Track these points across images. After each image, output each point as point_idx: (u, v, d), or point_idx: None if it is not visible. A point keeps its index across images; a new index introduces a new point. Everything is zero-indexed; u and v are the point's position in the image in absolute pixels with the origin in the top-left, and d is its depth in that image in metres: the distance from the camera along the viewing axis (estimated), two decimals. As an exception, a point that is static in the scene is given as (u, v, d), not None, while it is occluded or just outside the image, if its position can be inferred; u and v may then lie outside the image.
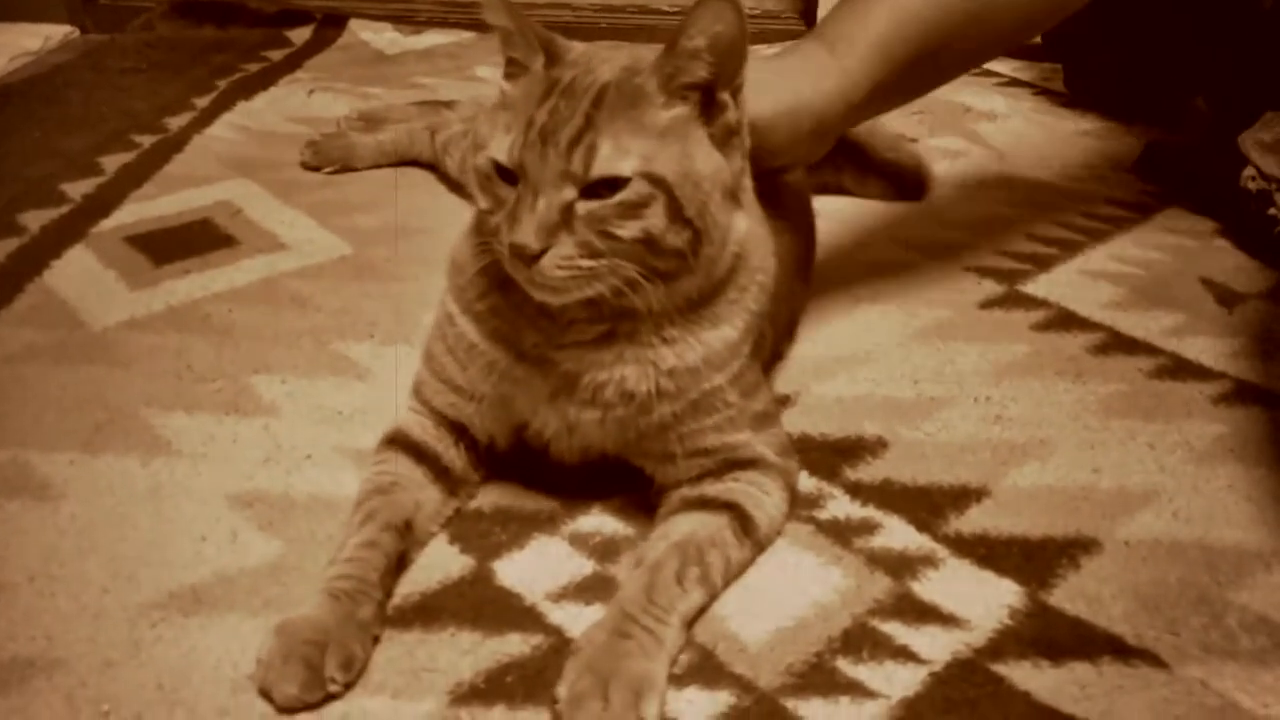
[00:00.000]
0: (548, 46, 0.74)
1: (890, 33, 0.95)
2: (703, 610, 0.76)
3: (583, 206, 0.70)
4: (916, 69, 0.98)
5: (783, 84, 0.90)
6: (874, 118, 1.13)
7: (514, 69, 0.76)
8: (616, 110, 0.71)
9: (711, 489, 0.82)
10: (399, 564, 0.77)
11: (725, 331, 0.79)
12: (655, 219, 0.71)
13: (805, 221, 1.09)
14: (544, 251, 0.69)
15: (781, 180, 0.99)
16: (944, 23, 0.96)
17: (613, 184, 0.70)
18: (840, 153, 1.35)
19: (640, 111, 0.72)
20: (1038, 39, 1.85)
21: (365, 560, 0.74)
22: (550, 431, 0.82)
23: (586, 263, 0.70)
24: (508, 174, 0.72)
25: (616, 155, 0.70)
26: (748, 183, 0.81)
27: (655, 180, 0.70)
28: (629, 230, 0.71)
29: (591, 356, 0.78)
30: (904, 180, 1.44)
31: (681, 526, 0.79)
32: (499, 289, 0.78)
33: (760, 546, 0.81)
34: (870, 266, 1.26)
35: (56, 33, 2.02)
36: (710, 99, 0.74)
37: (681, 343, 0.78)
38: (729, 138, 0.76)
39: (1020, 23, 1.06)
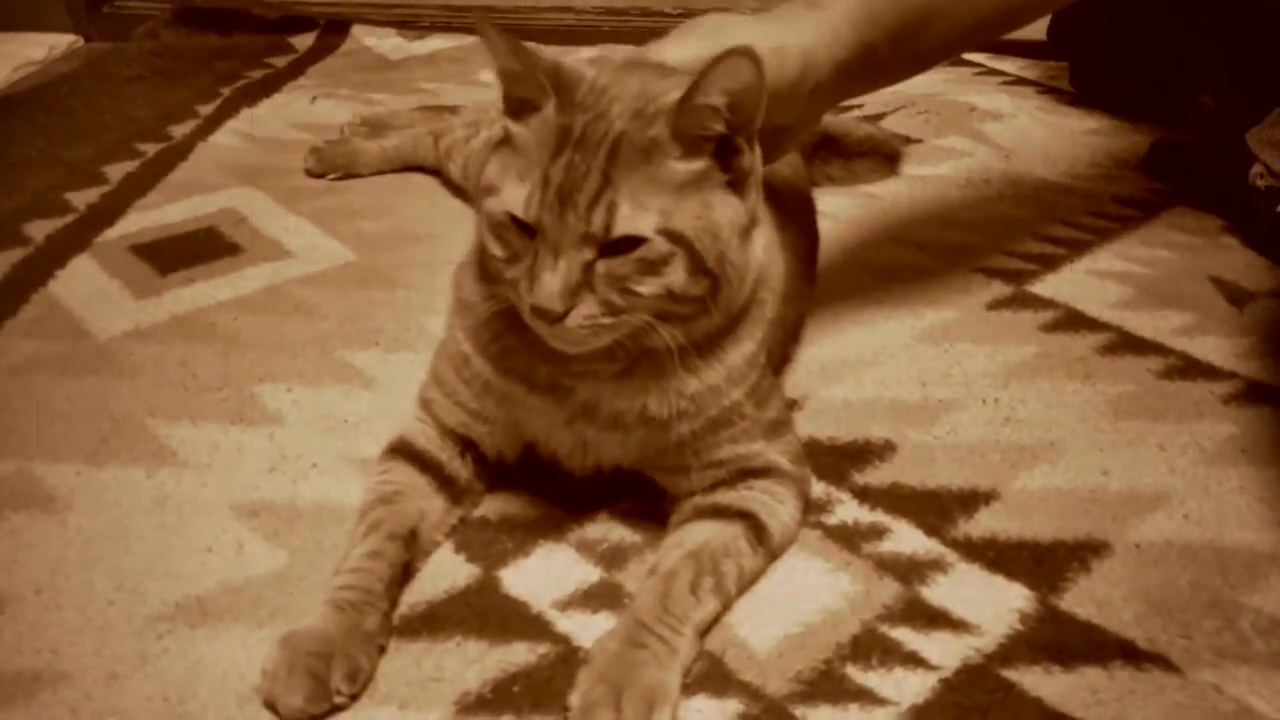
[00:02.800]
0: (556, 84, 0.71)
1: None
2: (717, 619, 0.75)
3: (603, 265, 0.69)
4: (905, 35, 0.92)
5: (763, 29, 0.83)
6: (863, 94, 1.06)
7: (518, 105, 0.73)
8: (633, 165, 0.69)
9: (725, 497, 0.81)
10: (404, 574, 0.77)
11: (745, 346, 0.79)
12: (676, 274, 0.70)
13: (808, 220, 1.09)
14: (566, 312, 0.69)
15: (783, 179, 0.99)
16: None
17: (633, 241, 0.69)
18: (820, 146, 1.42)
19: (656, 167, 0.70)
20: (1043, 36, 1.84)
21: (370, 570, 0.74)
22: (565, 451, 0.82)
23: (608, 320, 0.70)
24: (523, 226, 0.70)
25: (636, 214, 0.68)
26: (760, 199, 0.78)
27: (675, 237, 0.69)
28: (650, 286, 0.70)
29: (611, 387, 0.77)
30: (883, 155, 1.50)
31: (695, 535, 0.79)
32: (511, 330, 0.77)
33: (774, 555, 0.81)
34: (876, 268, 1.25)
35: (61, 42, 2.02)
36: (727, 147, 0.72)
37: (704, 368, 0.77)
38: (744, 179, 0.74)
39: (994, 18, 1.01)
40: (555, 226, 0.68)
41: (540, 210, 0.69)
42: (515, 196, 0.70)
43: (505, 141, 0.74)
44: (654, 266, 0.69)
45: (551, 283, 0.68)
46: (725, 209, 0.72)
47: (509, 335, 0.78)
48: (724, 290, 0.73)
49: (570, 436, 0.80)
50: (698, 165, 0.71)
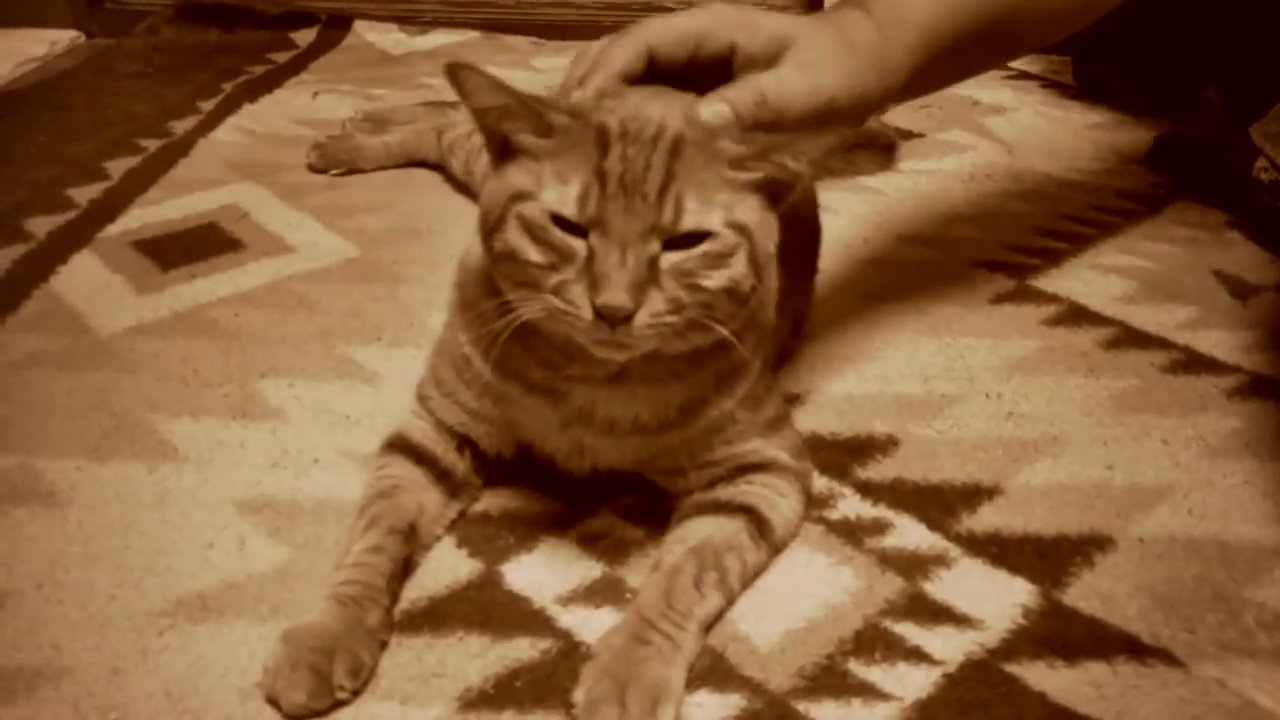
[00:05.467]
0: (557, 105, 0.70)
1: (941, 17, 0.87)
2: (721, 614, 0.75)
3: (667, 259, 0.67)
4: (951, 59, 0.91)
5: (850, 65, 0.80)
6: (904, 101, 1.04)
7: (519, 134, 0.70)
8: (695, 163, 0.67)
9: (725, 493, 0.81)
10: (404, 568, 0.77)
11: (734, 354, 0.77)
12: (739, 267, 0.68)
13: (810, 216, 1.08)
14: (635, 311, 0.66)
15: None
16: (990, 11, 0.90)
17: (697, 237, 0.68)
18: None
19: (716, 170, 0.68)
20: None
21: (371, 565, 0.74)
22: (561, 454, 0.81)
23: (672, 319, 0.68)
24: (570, 227, 0.67)
25: (703, 208, 0.67)
26: None
27: (740, 229, 0.68)
28: (715, 280, 0.68)
29: (605, 393, 0.77)
30: (880, 146, 1.51)
31: (697, 531, 0.78)
32: (515, 336, 0.75)
33: (777, 549, 0.81)
34: (878, 263, 1.25)
35: (62, 38, 2.02)
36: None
37: (693, 376, 0.77)
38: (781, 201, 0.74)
39: (1064, 14, 1.00)
40: (620, 219, 0.66)
41: (601, 203, 0.66)
42: (561, 195, 0.67)
43: (510, 157, 0.71)
44: (720, 259, 0.68)
45: (620, 279, 0.65)
46: (768, 212, 0.72)
47: (512, 341, 0.75)
48: (761, 292, 0.73)
49: (566, 440, 0.80)
50: (755, 175, 0.70)
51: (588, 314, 0.66)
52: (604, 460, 0.81)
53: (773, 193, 0.72)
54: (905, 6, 0.86)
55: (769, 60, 0.77)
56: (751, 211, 0.70)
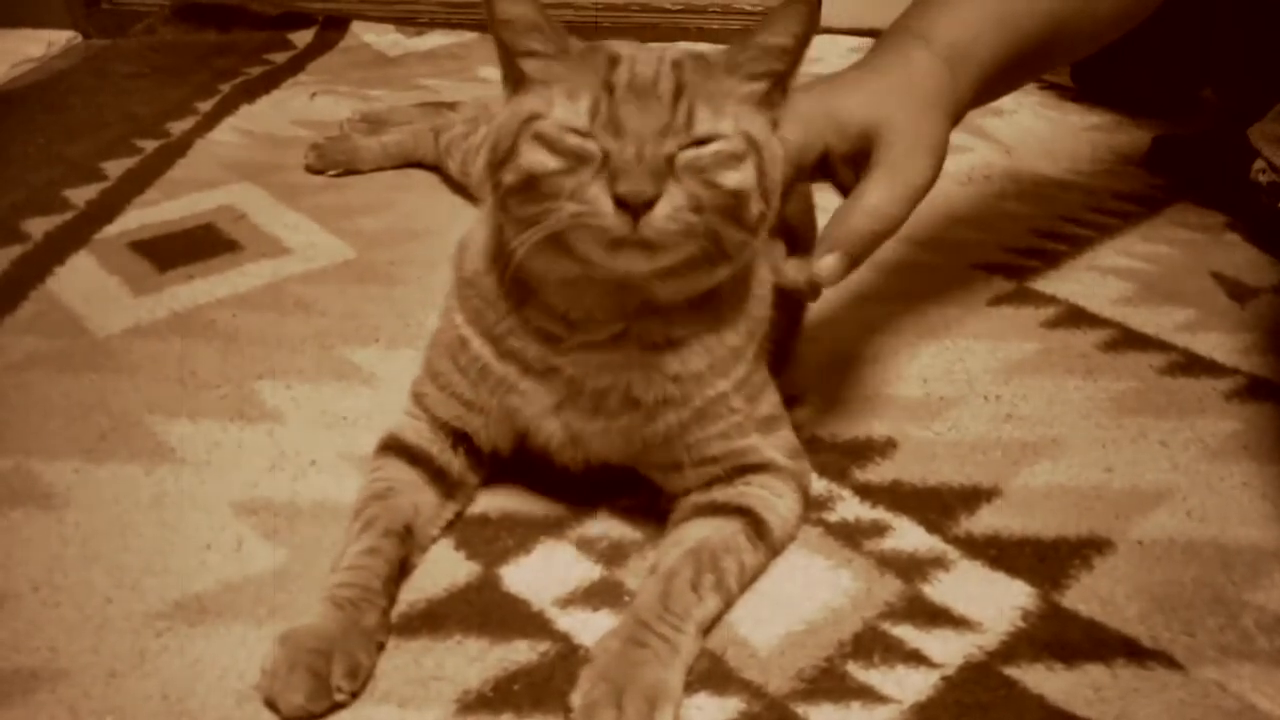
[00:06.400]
0: (567, 35, 0.73)
1: (1001, 45, 0.88)
2: (719, 617, 0.75)
3: (684, 156, 0.68)
4: (1000, 81, 0.93)
5: (933, 133, 0.82)
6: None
7: (531, 58, 0.73)
8: (700, 78, 0.71)
9: (722, 494, 0.81)
10: (401, 570, 0.76)
11: (728, 336, 0.79)
12: (749, 174, 0.70)
13: (808, 218, 1.08)
14: (653, 202, 0.66)
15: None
16: (1040, 33, 0.91)
17: (709, 141, 0.69)
18: None
19: (720, 83, 0.72)
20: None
21: (367, 567, 0.73)
22: (555, 443, 0.81)
23: (692, 218, 0.68)
24: (584, 138, 0.69)
25: (714, 116, 0.69)
26: None
27: (749, 139, 0.71)
28: (730, 180, 0.69)
29: (597, 360, 0.77)
30: None
31: (694, 533, 0.78)
32: (519, 308, 0.77)
33: (775, 550, 0.81)
34: (876, 264, 1.24)
35: (59, 38, 2.02)
36: (779, 87, 0.74)
37: (686, 347, 0.77)
38: (774, 130, 0.75)
39: (1104, 28, 1.00)
40: (636, 119, 0.68)
41: (613, 109, 0.68)
42: (572, 110, 0.69)
43: (522, 89, 0.73)
44: (734, 160, 0.70)
45: (639, 169, 0.66)
46: (774, 142, 0.74)
47: (513, 316, 0.77)
48: (761, 228, 0.73)
49: (560, 427, 0.80)
50: (756, 86, 0.73)
51: (608, 207, 0.66)
52: (598, 449, 0.81)
53: (774, 92, 0.74)
54: (970, 39, 0.87)
55: (859, 158, 0.82)
56: (760, 128, 0.72)
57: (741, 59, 0.72)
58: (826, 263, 0.80)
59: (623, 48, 0.72)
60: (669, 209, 0.67)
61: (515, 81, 0.74)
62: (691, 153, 0.68)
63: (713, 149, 0.69)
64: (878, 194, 0.80)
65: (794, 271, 0.82)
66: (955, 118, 0.87)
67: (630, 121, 0.68)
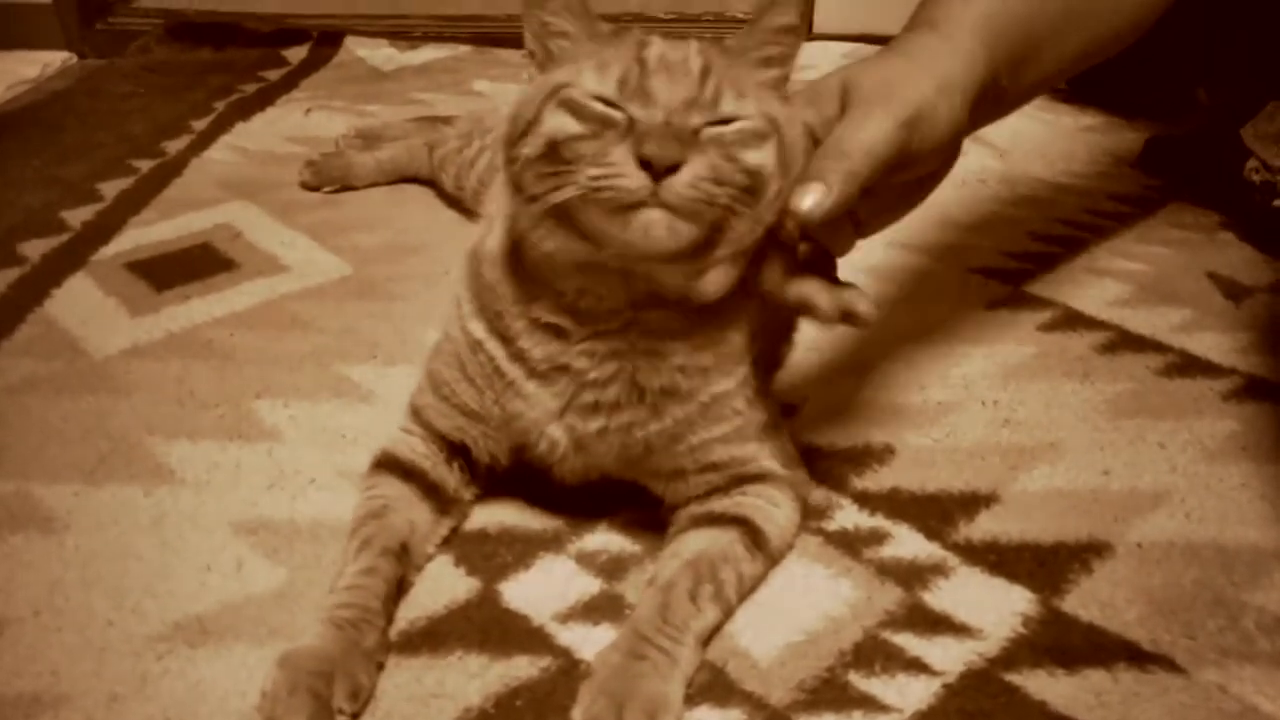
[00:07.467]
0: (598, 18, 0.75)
1: (993, 11, 0.84)
2: (718, 628, 0.75)
3: (709, 131, 0.69)
4: (1022, 59, 0.87)
5: (919, 66, 0.78)
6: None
7: (559, 39, 0.74)
8: (724, 62, 0.72)
9: (719, 504, 0.81)
10: (398, 588, 0.76)
11: (731, 334, 0.79)
12: (769, 154, 0.71)
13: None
14: (677, 168, 0.66)
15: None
16: (1041, 5, 0.87)
17: (732, 120, 0.70)
18: None
19: (741, 69, 0.73)
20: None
21: (366, 587, 0.74)
22: (556, 451, 0.81)
23: (714, 189, 0.68)
24: (612, 108, 0.69)
25: (738, 98, 0.71)
26: None
27: (771, 119, 0.71)
28: (752, 158, 0.70)
29: (605, 348, 0.76)
30: None
31: (692, 544, 0.78)
32: (530, 304, 0.77)
33: (773, 560, 0.81)
34: (871, 270, 1.25)
35: (54, 60, 2.03)
36: (786, 72, 0.76)
37: (691, 339, 0.77)
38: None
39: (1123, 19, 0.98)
40: (665, 90, 0.69)
41: (643, 80, 0.69)
42: (602, 80, 0.70)
43: (549, 65, 0.74)
44: (757, 138, 0.70)
45: (666, 132, 0.67)
46: (793, 120, 0.74)
47: (526, 316, 0.77)
48: (771, 213, 0.72)
49: (561, 431, 0.79)
50: (772, 73, 0.75)
51: (631, 168, 0.66)
52: (597, 455, 0.81)
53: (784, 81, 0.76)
54: (956, 5, 0.83)
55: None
56: (780, 111, 0.73)
57: (750, 44, 0.74)
58: (811, 192, 0.70)
59: (649, 35, 0.74)
60: (691, 176, 0.66)
61: (542, 62, 0.75)
62: (716, 129, 0.69)
63: (736, 126, 0.70)
64: (842, 129, 0.74)
65: (827, 302, 0.74)
66: (974, 92, 0.80)
67: (660, 92, 0.69)
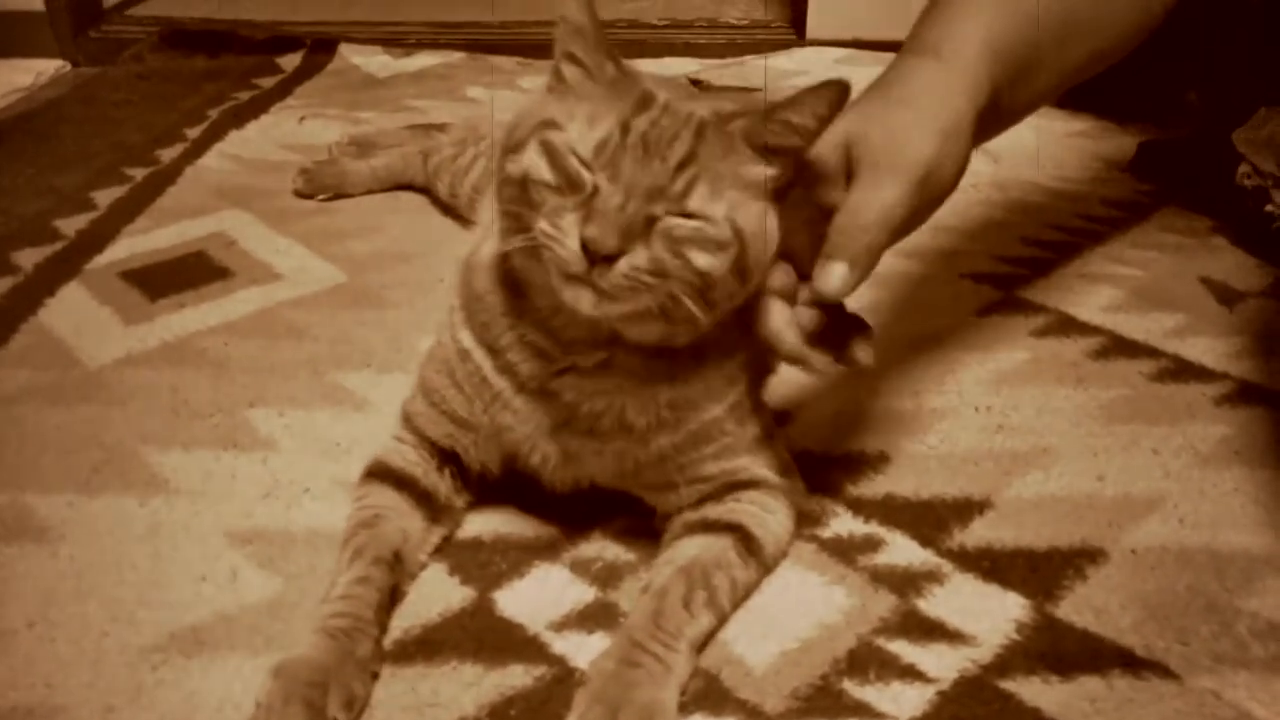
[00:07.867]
0: (615, 58, 0.73)
1: (994, 29, 0.84)
2: (712, 634, 0.75)
3: (665, 222, 0.68)
4: (1020, 77, 0.87)
5: (926, 114, 0.78)
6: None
7: (572, 65, 0.73)
8: (715, 152, 0.70)
9: (713, 511, 0.81)
10: (392, 597, 0.77)
11: (723, 364, 0.79)
12: (722, 262, 0.69)
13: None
14: (618, 257, 0.67)
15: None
16: (1041, 20, 0.87)
17: (696, 217, 0.69)
18: None
19: (732, 162, 0.71)
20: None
21: (359, 597, 0.74)
22: (548, 465, 0.81)
23: (651, 280, 0.68)
24: (585, 166, 0.69)
25: (712, 197, 0.69)
26: None
27: (735, 229, 0.69)
28: (700, 261, 0.69)
29: (591, 385, 0.77)
30: None
31: (686, 551, 0.78)
32: (518, 320, 0.77)
33: (767, 566, 0.81)
34: (866, 276, 1.25)
35: (48, 68, 2.03)
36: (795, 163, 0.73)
37: (675, 380, 0.77)
38: (785, 196, 0.74)
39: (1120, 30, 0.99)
40: (634, 171, 0.67)
41: (618, 153, 0.68)
42: (585, 135, 0.69)
43: (556, 86, 0.73)
44: (711, 245, 0.69)
45: (615, 219, 0.66)
46: (771, 220, 0.72)
47: (514, 330, 0.77)
48: (737, 301, 0.73)
49: (553, 448, 0.80)
50: (769, 171, 0.72)
51: (573, 243, 0.67)
52: (587, 470, 0.81)
53: (780, 188, 0.73)
54: (953, 26, 0.83)
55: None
56: (753, 219, 0.71)
57: (764, 130, 0.71)
58: (834, 273, 0.74)
59: (660, 88, 0.72)
60: (627, 267, 0.67)
61: (555, 80, 0.74)
62: (674, 221, 0.68)
63: (695, 224, 0.68)
64: (857, 199, 0.75)
65: (864, 355, 0.78)
66: (979, 119, 0.82)
67: (627, 171, 0.68)
